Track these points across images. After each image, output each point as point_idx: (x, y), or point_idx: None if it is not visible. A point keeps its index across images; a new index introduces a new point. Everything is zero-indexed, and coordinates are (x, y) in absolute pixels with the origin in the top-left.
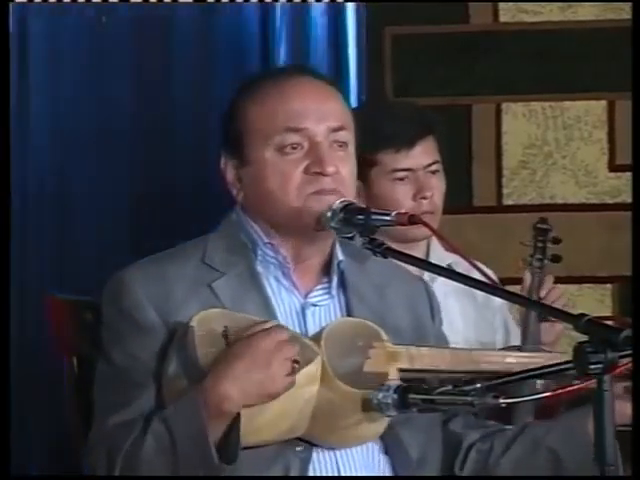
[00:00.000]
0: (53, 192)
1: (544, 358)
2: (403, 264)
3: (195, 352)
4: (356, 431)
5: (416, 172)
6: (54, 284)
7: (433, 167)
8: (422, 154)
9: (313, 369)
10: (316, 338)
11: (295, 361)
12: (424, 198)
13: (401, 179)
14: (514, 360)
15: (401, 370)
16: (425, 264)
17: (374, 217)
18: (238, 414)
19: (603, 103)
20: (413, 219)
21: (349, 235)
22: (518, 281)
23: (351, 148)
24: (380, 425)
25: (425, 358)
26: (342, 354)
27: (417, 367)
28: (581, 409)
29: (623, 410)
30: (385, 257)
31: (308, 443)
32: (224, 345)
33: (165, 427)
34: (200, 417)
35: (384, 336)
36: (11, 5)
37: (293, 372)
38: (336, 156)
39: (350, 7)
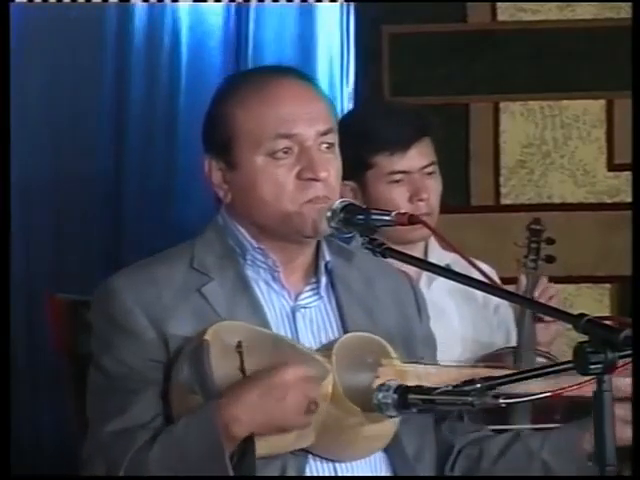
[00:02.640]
0: (53, 192)
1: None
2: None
3: (210, 367)
4: (361, 444)
5: (412, 174)
6: (54, 284)
7: (429, 169)
8: (418, 156)
9: (324, 388)
10: (326, 353)
11: (313, 402)
12: (420, 200)
13: (397, 181)
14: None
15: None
16: (424, 264)
17: (374, 217)
18: (252, 437)
19: (602, 102)
20: (413, 219)
21: (349, 235)
22: (516, 281)
23: (337, 148)
24: (386, 437)
25: (432, 377)
26: (352, 371)
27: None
28: (575, 422)
29: (622, 434)
30: (385, 257)
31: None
32: (238, 360)
33: (176, 443)
34: (216, 435)
35: (393, 353)
36: (11, 5)
37: (309, 412)
38: (325, 159)
39: (348, 6)
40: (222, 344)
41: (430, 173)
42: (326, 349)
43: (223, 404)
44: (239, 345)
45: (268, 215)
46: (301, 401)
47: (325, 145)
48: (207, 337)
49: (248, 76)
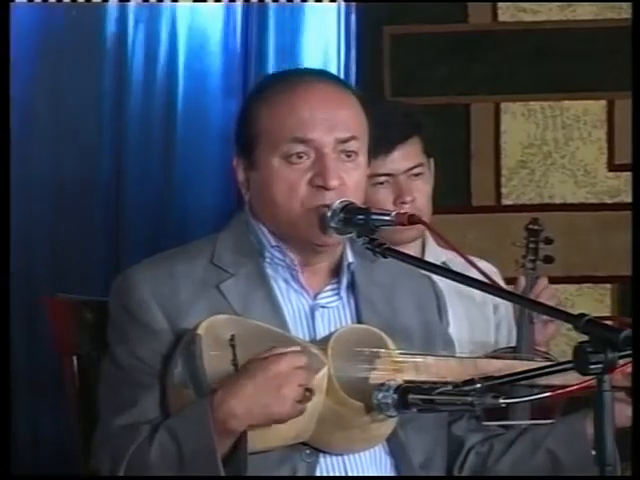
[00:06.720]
0: (54, 192)
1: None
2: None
3: (201, 361)
4: (360, 438)
5: (396, 177)
6: (54, 284)
7: (415, 170)
8: (402, 158)
9: (320, 380)
10: (323, 347)
11: (308, 389)
12: (404, 203)
13: (381, 184)
14: (521, 369)
15: (407, 382)
16: (422, 263)
17: (374, 217)
18: (245, 432)
19: (602, 103)
20: (413, 219)
21: (350, 235)
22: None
23: (361, 157)
24: (384, 431)
25: (431, 368)
26: (348, 363)
27: (423, 378)
28: (581, 411)
29: (623, 412)
30: (384, 257)
31: (315, 449)
32: (231, 354)
33: (172, 439)
34: (209, 432)
35: (391, 345)
36: (11, 5)
37: (304, 400)
38: (343, 167)
39: (349, 7)
40: (215, 338)
41: (417, 174)
42: (323, 341)
43: (218, 400)
44: (232, 339)
45: (279, 218)
46: (296, 391)
47: (346, 154)
48: (199, 331)
49: (280, 76)
